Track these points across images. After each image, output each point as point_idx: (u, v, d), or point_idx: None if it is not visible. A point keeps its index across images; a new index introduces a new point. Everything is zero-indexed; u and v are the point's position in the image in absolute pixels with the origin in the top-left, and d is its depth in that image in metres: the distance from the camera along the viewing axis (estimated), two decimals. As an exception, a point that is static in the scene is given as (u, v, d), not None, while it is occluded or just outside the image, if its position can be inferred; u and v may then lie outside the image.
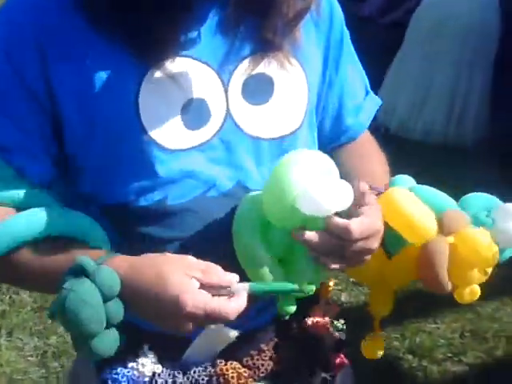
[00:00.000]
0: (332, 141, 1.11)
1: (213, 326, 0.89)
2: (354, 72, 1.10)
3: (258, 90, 0.95)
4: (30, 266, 0.88)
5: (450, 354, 2.55)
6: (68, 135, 0.89)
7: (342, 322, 1.07)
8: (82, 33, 0.86)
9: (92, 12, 0.86)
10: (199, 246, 0.91)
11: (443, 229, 0.95)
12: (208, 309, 0.79)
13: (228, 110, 0.93)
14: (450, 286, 0.95)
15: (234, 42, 0.92)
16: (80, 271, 0.79)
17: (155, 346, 0.97)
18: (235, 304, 0.81)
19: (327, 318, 1.07)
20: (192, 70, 0.90)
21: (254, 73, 0.94)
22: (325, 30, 1.03)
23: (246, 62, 0.93)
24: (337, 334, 1.07)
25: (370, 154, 1.14)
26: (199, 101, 0.91)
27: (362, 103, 1.13)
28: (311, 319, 1.05)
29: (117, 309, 0.80)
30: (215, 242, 0.92)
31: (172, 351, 0.95)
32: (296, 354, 1.03)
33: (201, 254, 0.85)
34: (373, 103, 1.16)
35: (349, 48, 1.09)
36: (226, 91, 0.92)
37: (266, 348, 1.03)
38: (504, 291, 2.83)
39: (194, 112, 0.90)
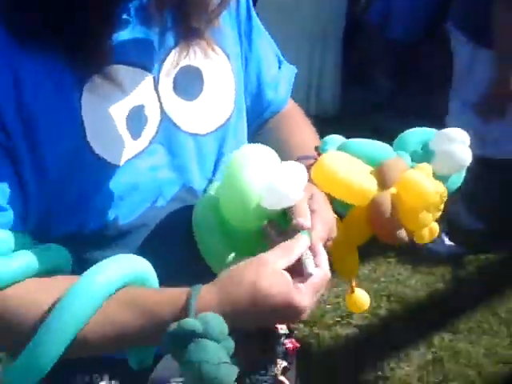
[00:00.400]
0: (256, 118, 1.08)
1: None
2: (265, 44, 1.08)
3: (189, 83, 0.91)
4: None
5: (338, 318, 2.65)
6: (19, 166, 0.80)
7: None
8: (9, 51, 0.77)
9: (22, 31, 0.77)
10: (158, 258, 0.86)
11: (384, 181, 0.94)
12: (315, 287, 0.78)
13: (162, 109, 0.88)
14: (404, 234, 0.95)
15: (158, 37, 0.87)
16: (184, 335, 0.71)
17: (116, 374, 0.91)
18: (322, 259, 0.81)
19: None
20: (128, 75, 0.84)
21: (181, 66, 0.90)
22: (233, 8, 1.00)
23: (171, 56, 0.89)
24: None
25: (298, 124, 1.13)
26: (139, 107, 0.86)
27: (279, 74, 1.10)
28: None
29: (231, 345, 0.74)
30: (173, 250, 0.88)
31: (135, 376, 0.89)
32: (254, 348, 1.01)
33: (161, 265, 0.82)
34: (289, 71, 1.13)
35: (256, 21, 1.06)
36: (157, 90, 0.88)
37: None
38: (378, 253, 2.99)
39: (136, 120, 0.85)
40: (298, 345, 1.05)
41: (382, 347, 2.56)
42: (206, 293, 0.76)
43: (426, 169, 0.97)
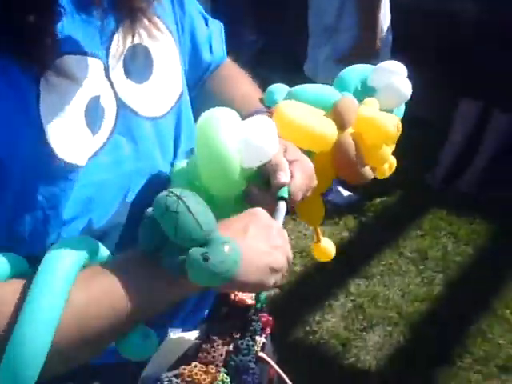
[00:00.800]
0: (197, 81, 1.04)
1: (172, 335, 0.81)
2: (191, 2, 1.01)
3: (139, 65, 0.84)
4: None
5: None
6: None
7: None
8: None
9: None
10: None
11: (342, 122, 0.94)
12: None
13: (117, 97, 0.81)
14: (370, 172, 0.96)
15: (100, 21, 0.79)
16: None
17: (104, 379, 0.84)
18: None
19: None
20: (78, 65, 0.75)
21: (128, 47, 0.82)
22: None
23: (116, 39, 0.81)
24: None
25: (237, 77, 1.09)
26: (96, 98, 0.77)
27: (210, 31, 1.05)
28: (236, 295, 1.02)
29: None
30: None
31: (123, 380, 0.84)
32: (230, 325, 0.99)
33: None
34: (217, 26, 1.08)
35: None
36: (108, 77, 0.80)
37: (215, 337, 0.96)
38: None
39: (94, 113, 0.77)
40: (271, 318, 1.03)
41: (303, 304, 2.57)
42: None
43: (374, 104, 0.98)
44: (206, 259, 0.66)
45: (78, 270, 0.67)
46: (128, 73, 0.82)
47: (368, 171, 0.96)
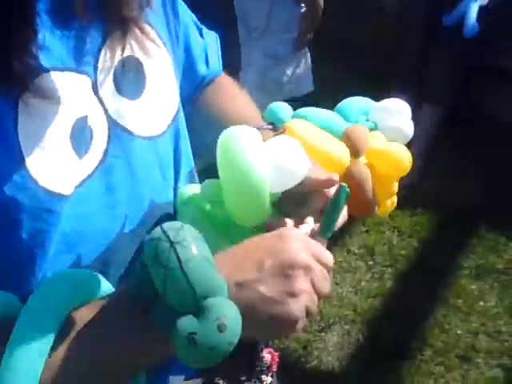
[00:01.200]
0: (192, 95, 0.96)
1: None
2: (184, 9, 0.92)
3: (131, 79, 0.75)
4: None
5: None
6: None
7: None
8: None
9: None
10: None
11: (354, 149, 0.90)
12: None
13: (109, 116, 0.72)
14: (376, 206, 0.93)
15: (86, 33, 0.71)
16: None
17: None
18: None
19: None
20: (61, 82, 0.66)
21: (118, 61, 0.74)
22: None
23: (104, 52, 0.73)
24: None
25: (233, 91, 1.02)
26: (82, 119, 0.69)
27: (205, 42, 0.97)
28: None
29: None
30: None
31: None
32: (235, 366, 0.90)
33: None
34: (212, 38, 1.00)
35: None
36: (98, 94, 0.71)
37: (220, 381, 0.88)
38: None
39: (81, 135, 0.68)
40: (276, 353, 0.97)
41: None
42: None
43: (382, 137, 0.95)
44: (192, 341, 0.54)
45: (65, 314, 0.61)
46: (119, 89, 0.73)
47: (376, 205, 0.92)
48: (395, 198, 0.97)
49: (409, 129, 0.96)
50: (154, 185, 0.76)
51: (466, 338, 2.35)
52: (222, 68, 1.01)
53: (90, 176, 0.69)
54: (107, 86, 0.72)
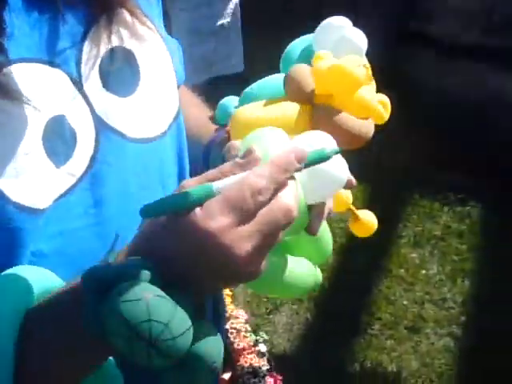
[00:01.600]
0: None
1: None
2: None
3: (121, 73, 0.67)
4: None
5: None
6: None
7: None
8: None
9: None
10: None
11: (300, 90, 0.81)
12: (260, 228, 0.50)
13: (96, 116, 0.63)
14: (366, 125, 0.82)
15: (67, 19, 0.62)
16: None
17: None
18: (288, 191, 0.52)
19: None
20: (31, 76, 0.58)
21: (106, 51, 0.65)
22: None
23: (89, 42, 0.64)
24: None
25: (192, 100, 0.94)
26: (58, 119, 0.60)
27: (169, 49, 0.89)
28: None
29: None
30: None
31: None
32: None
33: None
34: (177, 45, 0.91)
35: None
36: (82, 90, 0.63)
37: None
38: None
39: (57, 138, 0.60)
40: (280, 378, 0.96)
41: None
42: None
43: (327, 55, 0.85)
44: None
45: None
46: (107, 84, 0.65)
47: (363, 125, 0.81)
48: (383, 98, 0.86)
49: (355, 36, 0.87)
50: (151, 196, 0.65)
51: (412, 308, 2.36)
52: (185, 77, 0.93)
53: (73, 187, 0.60)
54: (92, 82, 0.63)
